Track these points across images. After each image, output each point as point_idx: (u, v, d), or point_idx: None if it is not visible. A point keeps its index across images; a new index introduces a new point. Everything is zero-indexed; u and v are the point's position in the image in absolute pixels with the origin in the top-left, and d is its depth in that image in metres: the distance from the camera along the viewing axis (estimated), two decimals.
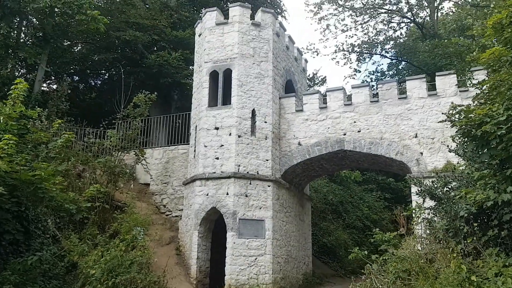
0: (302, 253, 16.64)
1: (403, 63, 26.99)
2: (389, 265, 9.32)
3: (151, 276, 10.68)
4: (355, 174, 26.39)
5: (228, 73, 14.93)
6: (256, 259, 13.38)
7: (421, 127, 13.48)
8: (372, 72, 30.09)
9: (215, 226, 14.51)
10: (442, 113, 9.01)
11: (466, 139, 7.57)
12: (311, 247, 17.93)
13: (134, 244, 11.47)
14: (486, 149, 7.18)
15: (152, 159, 16.66)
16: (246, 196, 13.86)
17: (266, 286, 13.18)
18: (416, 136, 13.50)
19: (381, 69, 30.94)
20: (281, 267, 14.26)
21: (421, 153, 13.31)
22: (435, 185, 9.58)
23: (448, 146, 9.82)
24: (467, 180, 8.82)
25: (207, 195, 13.98)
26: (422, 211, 9.33)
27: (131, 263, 9.93)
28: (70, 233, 10.95)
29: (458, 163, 9.67)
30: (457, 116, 7.62)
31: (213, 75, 15.11)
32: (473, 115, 7.27)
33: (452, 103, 9.01)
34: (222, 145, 14.31)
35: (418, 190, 9.74)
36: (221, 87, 14.81)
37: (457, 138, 8.53)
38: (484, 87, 7.64)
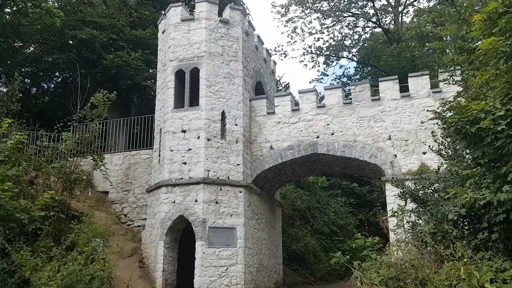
0: (273, 261, 15.97)
1: (370, 68, 27.18)
2: (372, 272, 8.81)
3: None
4: (321, 179, 26.17)
5: (195, 72, 14.12)
6: (227, 269, 12.56)
7: (394, 129, 13.25)
8: (339, 76, 30.21)
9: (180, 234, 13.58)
10: (428, 111, 8.65)
11: (457, 136, 7.20)
12: (281, 254, 17.30)
13: (94, 257, 10.40)
14: (479, 147, 6.84)
15: (112, 165, 15.49)
16: (217, 203, 13.04)
17: None
18: (389, 138, 13.25)
19: (347, 72, 31.13)
20: (253, 276, 13.52)
21: (395, 156, 13.05)
22: (417, 187, 9.22)
23: (429, 146, 9.50)
24: (454, 180, 8.50)
25: (174, 202, 13.04)
26: (405, 214, 8.91)
27: (92, 278, 8.87)
28: (22, 245, 9.69)
29: (441, 163, 9.35)
30: (447, 113, 7.24)
31: (179, 75, 14.25)
32: (465, 111, 6.92)
33: (439, 106, 8.68)
34: (190, 149, 13.45)
35: (400, 192, 9.34)
36: (188, 87, 13.97)
37: (444, 135, 8.21)
38: (474, 83, 7.31)
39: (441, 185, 8.74)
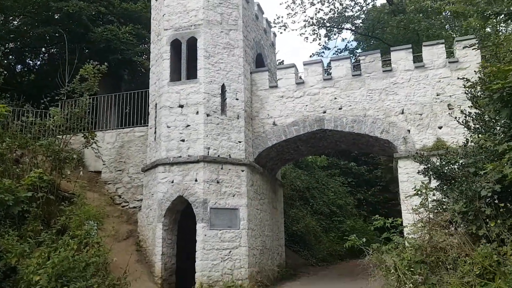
0: (276, 243, 15.28)
1: (373, 41, 26.14)
2: (394, 256, 8.08)
3: (110, 279, 8.84)
4: (321, 158, 25.44)
5: (192, 42, 13.07)
6: (230, 252, 11.81)
7: (408, 102, 12.43)
8: (341, 50, 29.06)
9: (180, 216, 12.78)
10: (460, 79, 7.77)
11: (498, 104, 6.39)
12: (284, 236, 16.62)
13: (87, 241, 9.55)
14: None
15: (104, 144, 14.50)
16: (218, 182, 12.20)
17: (243, 282, 11.67)
18: (402, 112, 12.43)
19: (350, 46, 30.00)
20: (257, 259, 12.81)
21: (408, 131, 12.26)
22: (443, 162, 8.43)
23: (456, 118, 8.67)
24: (485, 155, 7.72)
25: (172, 182, 12.17)
26: (430, 192, 8.13)
27: (86, 265, 8.02)
28: (7, 229, 8.78)
29: (467, 137, 8.55)
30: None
31: (175, 45, 13.18)
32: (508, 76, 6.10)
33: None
34: (188, 125, 12.52)
35: (424, 168, 8.54)
36: (185, 59, 12.94)
37: (477, 104, 7.40)
38: None
39: (470, 160, 7.95)
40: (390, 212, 35.35)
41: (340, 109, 13.02)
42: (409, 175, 11.81)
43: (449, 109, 11.98)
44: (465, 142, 8.29)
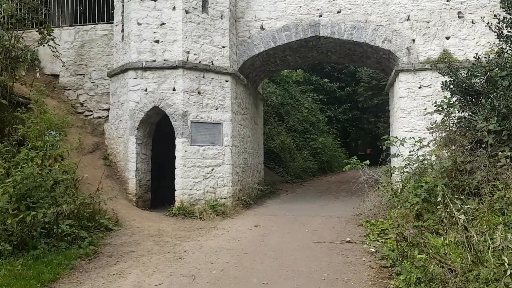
0: (256, 160, 14.39)
1: None
2: (408, 180, 7.29)
3: (81, 198, 7.59)
4: (297, 73, 24.11)
5: None
6: (213, 169, 10.75)
7: (415, 8, 11.07)
8: None
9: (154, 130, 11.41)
10: None
11: None
12: (263, 153, 15.74)
13: (50, 154, 8.09)
14: None
15: (61, 42, 12.35)
16: (199, 93, 10.73)
17: (225, 200, 10.81)
18: (408, 19, 11.11)
19: None
20: (239, 177, 11.90)
21: (413, 40, 11.06)
22: (471, 73, 7.40)
23: (488, 24, 7.48)
24: None
25: (146, 90, 10.57)
26: (455, 108, 7.18)
27: (55, 183, 6.68)
28: None
29: (499, 47, 7.47)
30: None
31: None
32: None
33: None
34: (164, 24, 10.63)
35: (449, 81, 7.50)
36: None
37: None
38: None
39: (504, 73, 6.95)
40: (358, 130, 35.53)
41: (338, 12, 11.49)
42: (409, 90, 10.85)
43: (459, 17, 10.79)
44: (500, 51, 7.21)
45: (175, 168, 10.37)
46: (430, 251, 4.94)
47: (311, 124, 24.23)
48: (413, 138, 7.86)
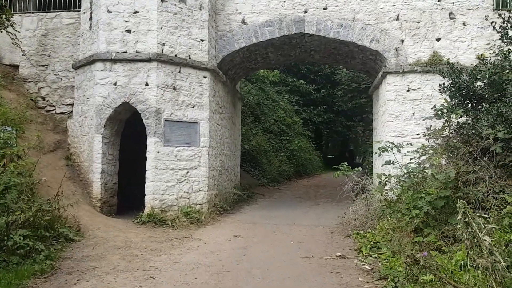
0: (233, 162, 13.59)
1: None
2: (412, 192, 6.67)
3: (38, 204, 6.62)
4: (274, 73, 23.46)
5: None
6: (187, 172, 9.89)
7: (405, 7, 10.57)
8: None
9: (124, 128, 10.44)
10: None
11: None
12: (240, 155, 14.95)
13: (5, 153, 7.13)
14: None
15: (22, 30, 11.21)
16: (175, 89, 9.84)
17: (201, 207, 9.96)
18: (397, 19, 10.60)
19: None
20: (216, 181, 11.08)
21: (402, 41, 10.56)
22: (473, 76, 6.87)
23: (492, 23, 6.98)
24: None
25: (115, 84, 9.60)
26: (458, 113, 6.62)
27: (6, 187, 5.71)
28: None
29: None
30: None
31: None
32: None
33: None
34: (137, 12, 9.70)
35: (452, 83, 6.94)
36: None
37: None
38: None
39: (511, 76, 6.45)
40: (331, 133, 35.29)
41: (325, 9, 10.86)
42: (397, 93, 10.34)
43: (450, 18, 10.37)
44: (506, 52, 6.70)
45: (145, 170, 9.45)
46: (444, 275, 4.31)
47: (287, 126, 23.64)
48: (409, 144, 7.29)
